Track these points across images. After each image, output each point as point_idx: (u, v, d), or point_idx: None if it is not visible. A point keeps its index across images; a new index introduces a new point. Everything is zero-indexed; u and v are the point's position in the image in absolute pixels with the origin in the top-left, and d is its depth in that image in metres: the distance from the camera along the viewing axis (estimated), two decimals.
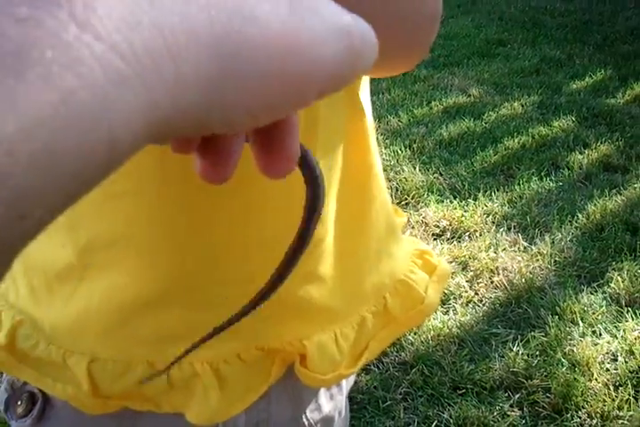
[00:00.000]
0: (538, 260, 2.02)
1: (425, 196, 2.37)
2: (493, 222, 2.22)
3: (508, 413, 1.53)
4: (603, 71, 3.42)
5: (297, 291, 0.56)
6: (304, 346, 0.57)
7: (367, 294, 0.62)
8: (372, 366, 1.65)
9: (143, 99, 0.17)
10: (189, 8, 0.19)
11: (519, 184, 2.41)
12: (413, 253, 0.69)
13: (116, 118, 0.17)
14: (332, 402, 0.67)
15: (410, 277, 0.65)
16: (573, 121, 2.87)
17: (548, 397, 1.56)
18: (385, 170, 2.48)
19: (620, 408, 1.53)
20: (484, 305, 1.85)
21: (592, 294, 1.87)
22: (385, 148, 2.66)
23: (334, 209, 0.57)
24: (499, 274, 1.96)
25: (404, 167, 2.53)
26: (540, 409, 1.54)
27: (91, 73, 0.16)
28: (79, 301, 0.53)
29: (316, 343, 0.57)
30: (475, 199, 2.33)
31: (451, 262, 2.03)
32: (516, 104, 3.05)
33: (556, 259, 2.02)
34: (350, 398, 0.93)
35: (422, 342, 1.72)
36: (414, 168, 2.52)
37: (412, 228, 2.20)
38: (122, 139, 0.17)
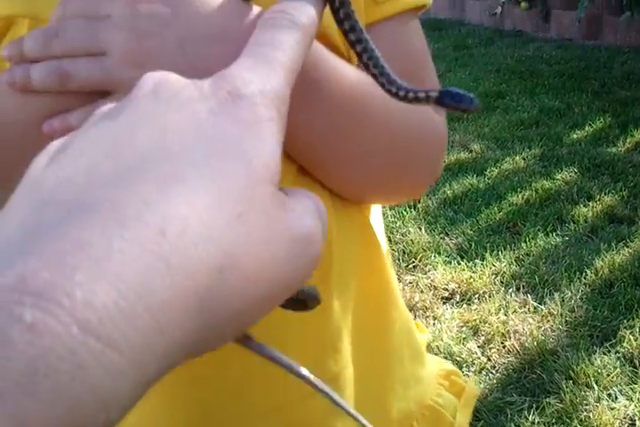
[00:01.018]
0: (549, 321, 2.01)
1: (432, 257, 2.38)
2: (502, 283, 2.22)
3: None
4: (602, 119, 3.46)
5: (321, 424, 0.56)
6: None
7: (393, 423, 0.61)
8: None
9: (136, 379, 0.20)
10: (175, 279, 0.22)
11: (525, 241, 2.42)
12: (439, 373, 0.68)
13: (112, 404, 0.20)
14: None
15: (437, 402, 0.64)
16: (576, 172, 2.90)
17: None
18: (391, 232, 2.51)
19: None
20: (497, 372, 1.84)
21: (605, 354, 1.86)
22: (390, 209, 2.68)
23: (352, 340, 0.58)
24: (510, 338, 1.95)
25: (409, 229, 2.55)
26: None
27: (92, 375, 0.19)
28: None
29: None
30: (482, 259, 2.34)
31: (462, 327, 2.03)
32: (517, 158, 3.08)
33: (567, 319, 2.01)
34: None
35: None
36: (420, 229, 2.54)
37: (422, 292, 2.20)
38: (116, 415, 0.20)
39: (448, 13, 6.44)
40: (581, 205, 2.63)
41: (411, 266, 2.35)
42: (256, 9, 0.43)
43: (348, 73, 0.50)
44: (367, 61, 0.43)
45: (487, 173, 2.97)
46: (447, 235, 2.52)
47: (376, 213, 0.65)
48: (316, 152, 0.52)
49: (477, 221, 2.60)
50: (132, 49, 0.41)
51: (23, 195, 0.26)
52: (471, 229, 2.54)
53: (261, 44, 0.33)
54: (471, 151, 3.21)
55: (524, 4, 5.43)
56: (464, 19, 6.28)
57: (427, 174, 0.61)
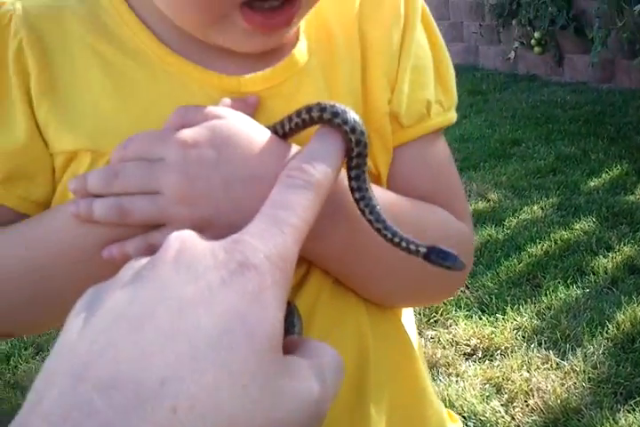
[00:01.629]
0: (571, 377, 2.01)
1: (453, 312, 2.40)
2: (524, 338, 2.23)
3: None
4: (619, 166, 3.48)
5: None
6: None
7: None
8: None
9: None
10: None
11: (546, 294, 2.43)
12: None
13: None
14: None
15: None
16: (594, 222, 2.91)
17: None
18: None
19: None
20: None
21: (629, 412, 1.86)
22: None
23: None
24: (534, 396, 1.96)
25: None
26: None
27: None
28: None
29: None
30: (503, 313, 2.35)
31: (485, 384, 2.03)
32: (535, 207, 3.11)
33: (590, 375, 2.01)
34: None
35: None
36: None
37: (444, 348, 2.22)
38: None
39: (462, 59, 6.55)
40: (601, 256, 2.64)
41: (432, 320, 2.36)
42: (294, 148, 0.48)
43: (378, 195, 0.55)
44: (364, 208, 0.47)
45: (506, 222, 3.00)
46: (467, 288, 2.54)
47: (407, 314, 0.69)
48: (345, 267, 0.56)
49: (497, 273, 2.62)
50: (182, 190, 0.46)
51: (60, 363, 0.31)
52: (491, 282, 2.56)
53: (275, 206, 0.38)
54: (489, 201, 3.24)
55: (537, 49, 5.51)
56: (478, 64, 6.38)
57: (454, 280, 0.65)
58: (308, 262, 0.56)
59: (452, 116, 0.64)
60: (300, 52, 0.58)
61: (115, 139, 0.50)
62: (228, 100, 0.52)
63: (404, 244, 0.47)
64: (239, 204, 0.47)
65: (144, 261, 0.36)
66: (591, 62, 4.89)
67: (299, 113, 0.46)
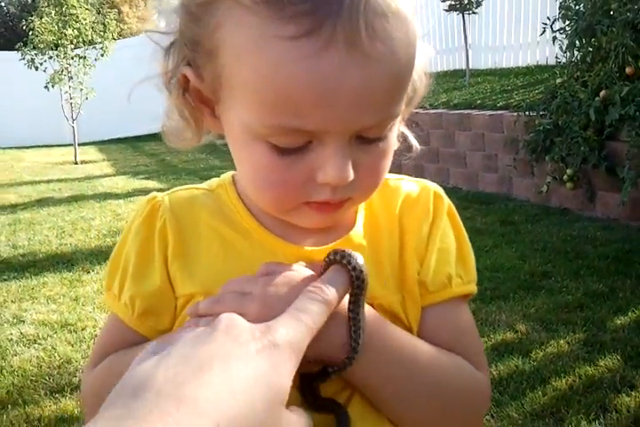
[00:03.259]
0: None
1: None
2: None
3: None
4: None
5: None
6: None
7: None
8: None
9: None
10: None
11: None
12: None
13: None
14: None
15: None
16: (619, 360, 3.00)
17: None
18: None
19: None
20: None
21: None
22: None
23: None
24: None
25: None
26: None
27: None
28: None
29: None
30: None
31: None
32: (562, 342, 3.21)
33: None
34: None
35: None
36: None
37: None
38: None
39: (496, 188, 6.82)
40: (624, 395, 2.71)
41: None
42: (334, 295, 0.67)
43: (403, 337, 0.73)
44: (351, 325, 0.67)
45: (532, 355, 3.10)
46: (492, 417, 2.62)
47: None
48: (381, 396, 0.73)
49: (522, 404, 2.70)
50: (259, 315, 0.65)
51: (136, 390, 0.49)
52: (516, 413, 2.63)
53: (299, 309, 0.60)
54: (517, 332, 3.36)
55: (569, 184, 5.75)
56: (511, 194, 6.64)
57: (473, 418, 0.81)
58: (352, 388, 0.73)
59: (473, 288, 0.84)
60: (356, 233, 0.80)
61: (221, 285, 0.71)
62: (302, 263, 0.73)
63: (349, 358, 0.67)
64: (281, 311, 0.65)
65: (202, 327, 0.56)
66: (622, 201, 5.10)
67: (327, 255, 0.68)
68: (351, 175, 0.67)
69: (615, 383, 2.80)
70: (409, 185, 0.86)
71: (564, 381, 2.85)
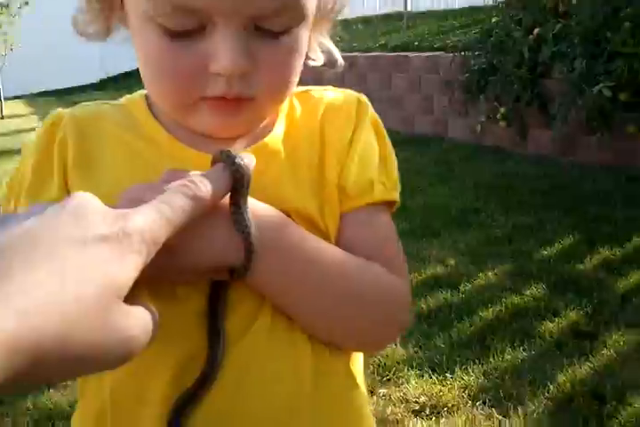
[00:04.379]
0: None
1: (405, 371, 2.51)
2: (470, 396, 2.34)
3: None
4: (571, 236, 3.68)
5: None
6: None
7: None
8: None
9: None
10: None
11: (494, 356, 2.56)
12: None
13: None
14: None
15: None
16: (544, 288, 3.07)
17: None
18: None
19: None
20: None
21: None
22: None
23: None
24: None
25: None
26: None
27: None
28: None
29: None
30: (452, 373, 2.47)
31: None
32: (490, 274, 3.27)
33: None
34: None
35: None
36: (396, 344, 2.69)
37: (394, 405, 2.32)
38: None
39: (432, 130, 6.84)
40: (548, 321, 2.79)
41: (385, 379, 2.47)
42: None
43: (309, 239, 0.69)
44: (235, 222, 0.63)
45: (461, 287, 3.15)
46: (421, 348, 2.66)
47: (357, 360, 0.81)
48: (288, 301, 0.70)
49: (450, 335, 2.75)
50: None
51: None
52: (443, 343, 2.68)
53: (163, 201, 0.55)
54: (447, 266, 3.40)
55: (502, 123, 5.81)
56: (447, 135, 6.67)
57: (389, 326, 0.77)
58: (261, 297, 0.69)
59: (396, 196, 0.79)
60: (273, 139, 0.76)
61: None
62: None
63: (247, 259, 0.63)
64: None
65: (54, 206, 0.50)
66: (552, 137, 5.18)
67: (214, 153, 0.63)
68: (245, 65, 0.64)
69: (540, 311, 2.87)
70: (333, 94, 0.82)
71: (490, 311, 2.91)
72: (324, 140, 0.77)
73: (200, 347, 0.66)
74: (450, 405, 2.29)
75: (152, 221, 0.51)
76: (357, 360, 0.79)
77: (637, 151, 4.92)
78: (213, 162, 0.63)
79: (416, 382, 2.43)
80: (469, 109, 6.32)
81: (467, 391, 2.37)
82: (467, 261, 3.45)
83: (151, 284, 0.55)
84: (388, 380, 2.47)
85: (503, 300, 2.99)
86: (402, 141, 6.21)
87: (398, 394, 2.38)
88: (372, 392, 2.40)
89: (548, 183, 4.63)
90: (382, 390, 2.41)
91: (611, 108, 4.77)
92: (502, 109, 5.76)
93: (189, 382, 0.66)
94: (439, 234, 3.83)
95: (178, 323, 0.67)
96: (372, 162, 0.78)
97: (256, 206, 0.65)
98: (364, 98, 0.82)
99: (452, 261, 3.45)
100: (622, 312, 2.84)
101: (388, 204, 0.79)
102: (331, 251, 0.71)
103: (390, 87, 7.51)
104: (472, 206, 4.27)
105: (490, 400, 2.31)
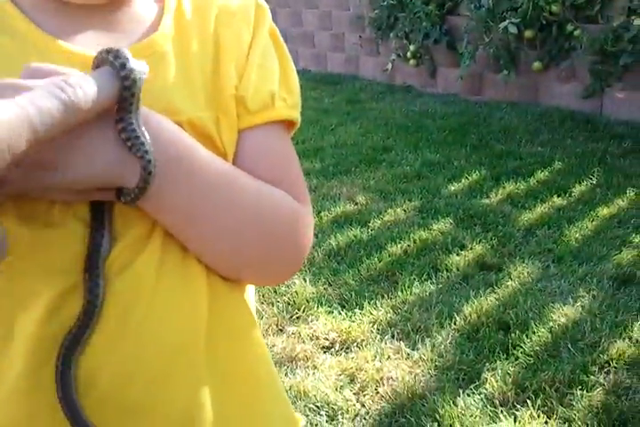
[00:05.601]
0: (420, 366, 2.15)
1: (315, 308, 2.49)
2: (379, 330, 2.35)
3: None
4: (478, 172, 3.72)
5: None
6: None
7: None
8: None
9: None
10: None
11: (402, 290, 2.57)
12: None
13: None
14: None
15: None
16: (451, 223, 3.10)
17: None
18: (277, 284, 2.61)
19: None
20: (370, 418, 1.95)
21: (469, 396, 2.00)
22: None
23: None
24: (384, 384, 2.07)
25: (294, 280, 2.65)
26: None
27: None
28: None
29: None
30: (361, 308, 2.47)
31: (339, 375, 2.13)
32: (399, 210, 3.27)
33: (437, 364, 2.15)
34: None
35: None
36: (305, 280, 2.66)
37: (304, 343, 2.30)
38: None
39: (344, 69, 6.74)
40: (454, 254, 2.82)
41: (294, 317, 2.45)
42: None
43: (205, 156, 0.61)
44: (125, 140, 0.54)
45: (370, 224, 3.14)
46: (330, 285, 2.65)
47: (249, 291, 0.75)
48: (182, 224, 0.62)
49: (359, 271, 2.74)
50: None
51: None
52: (353, 280, 2.68)
53: (32, 103, 0.45)
54: (357, 203, 3.38)
55: (412, 61, 5.77)
56: (358, 73, 6.59)
57: (290, 252, 0.70)
58: (152, 223, 0.61)
59: (297, 114, 0.72)
60: (162, 36, 0.66)
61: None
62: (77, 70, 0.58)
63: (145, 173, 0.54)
64: None
65: None
66: (460, 75, 5.18)
67: (99, 52, 0.53)
68: None
69: (447, 245, 2.90)
70: None
71: (399, 246, 2.91)
72: (220, 44, 0.69)
73: (77, 280, 0.58)
74: (359, 340, 2.30)
75: (7, 121, 0.42)
76: (250, 297, 0.73)
77: (542, 88, 4.99)
78: (97, 64, 0.53)
79: (325, 319, 2.41)
80: (380, 48, 6.24)
81: (375, 326, 2.37)
82: (377, 198, 3.44)
83: (23, 203, 0.46)
84: (298, 318, 2.45)
85: (411, 235, 3.00)
86: (314, 80, 6.10)
87: (308, 331, 2.36)
88: (281, 330, 2.38)
89: (456, 121, 4.65)
90: (292, 328, 2.39)
91: (516, 45, 4.79)
92: (412, 47, 5.72)
93: (66, 321, 0.57)
94: (350, 172, 3.79)
95: (52, 252, 0.59)
96: (272, 72, 0.71)
97: (150, 118, 0.56)
98: (262, 2, 0.74)
99: (362, 199, 3.42)
100: (526, 244, 2.91)
101: (288, 125, 0.72)
102: (232, 173, 0.64)
103: (302, 24, 7.32)
104: (383, 144, 4.25)
105: (398, 334, 2.32)
